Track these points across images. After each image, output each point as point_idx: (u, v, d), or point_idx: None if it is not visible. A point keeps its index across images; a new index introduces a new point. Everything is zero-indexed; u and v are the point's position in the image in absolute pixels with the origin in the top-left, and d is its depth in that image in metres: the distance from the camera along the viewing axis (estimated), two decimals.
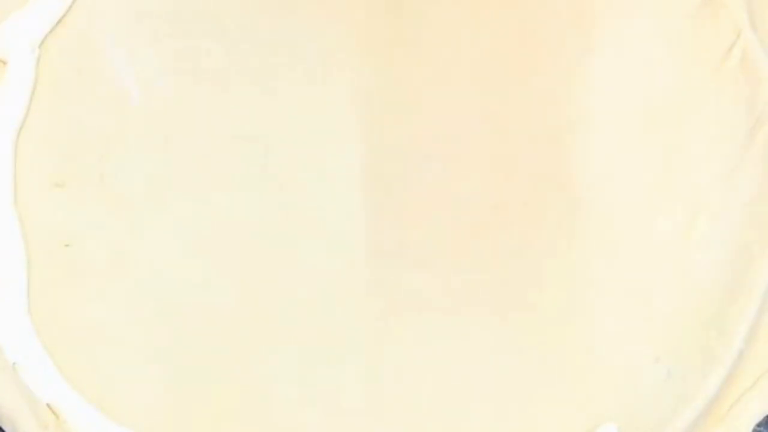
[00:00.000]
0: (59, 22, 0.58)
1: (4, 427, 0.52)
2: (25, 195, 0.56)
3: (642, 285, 0.55)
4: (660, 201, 0.56)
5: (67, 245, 0.56)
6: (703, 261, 0.55)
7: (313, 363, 0.54)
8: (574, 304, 0.55)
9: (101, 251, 0.55)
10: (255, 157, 0.57)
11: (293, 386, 0.54)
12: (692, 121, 0.57)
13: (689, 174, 0.57)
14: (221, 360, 0.54)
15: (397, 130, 0.58)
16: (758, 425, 0.53)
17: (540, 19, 0.59)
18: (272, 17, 0.59)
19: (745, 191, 0.56)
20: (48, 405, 0.52)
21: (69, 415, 0.52)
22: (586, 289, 0.55)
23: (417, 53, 0.59)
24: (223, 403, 0.54)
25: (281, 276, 0.56)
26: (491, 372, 0.54)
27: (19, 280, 0.54)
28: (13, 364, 0.52)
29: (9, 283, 0.54)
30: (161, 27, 0.59)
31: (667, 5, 0.57)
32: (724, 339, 0.53)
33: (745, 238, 0.55)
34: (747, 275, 0.54)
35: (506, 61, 0.59)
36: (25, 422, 0.51)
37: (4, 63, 0.57)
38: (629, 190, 0.57)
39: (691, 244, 0.55)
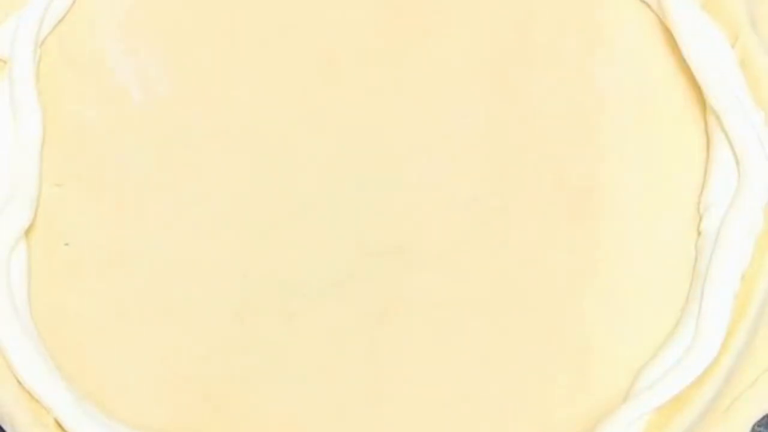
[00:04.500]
0: (60, 21, 0.59)
1: (4, 427, 0.52)
2: None
3: (643, 283, 0.55)
4: (664, 199, 0.56)
5: (66, 244, 0.56)
6: (704, 260, 0.54)
7: (313, 362, 0.54)
8: (575, 302, 0.55)
9: (101, 250, 0.55)
10: (255, 157, 0.57)
11: (293, 385, 0.54)
12: (695, 118, 0.57)
13: (693, 172, 0.57)
14: (221, 359, 0.54)
15: (397, 128, 0.58)
16: (758, 425, 0.52)
17: (542, 18, 0.59)
18: (273, 16, 0.59)
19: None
20: (48, 405, 0.52)
21: (68, 415, 0.51)
22: (588, 287, 0.55)
23: (419, 52, 0.59)
24: (222, 402, 0.54)
25: (281, 276, 0.56)
26: (491, 371, 0.54)
27: (20, 279, 0.54)
28: (13, 363, 0.52)
29: (9, 282, 0.54)
30: (162, 26, 0.59)
31: (667, 6, 0.57)
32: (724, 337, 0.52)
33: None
34: (746, 275, 0.54)
35: (508, 59, 0.59)
36: (25, 422, 0.51)
37: (5, 62, 0.57)
38: (633, 188, 0.57)
39: (694, 242, 0.56)
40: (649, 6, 0.59)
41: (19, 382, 0.52)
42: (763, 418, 0.52)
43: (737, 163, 0.55)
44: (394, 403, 0.54)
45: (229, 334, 0.55)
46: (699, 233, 0.55)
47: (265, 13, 0.59)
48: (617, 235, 0.56)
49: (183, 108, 0.58)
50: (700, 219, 0.55)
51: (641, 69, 0.58)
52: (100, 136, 0.57)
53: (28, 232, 0.55)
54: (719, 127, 0.55)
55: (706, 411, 0.51)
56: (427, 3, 0.59)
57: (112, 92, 0.58)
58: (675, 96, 0.58)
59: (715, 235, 0.54)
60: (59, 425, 0.52)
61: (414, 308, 0.55)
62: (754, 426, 0.52)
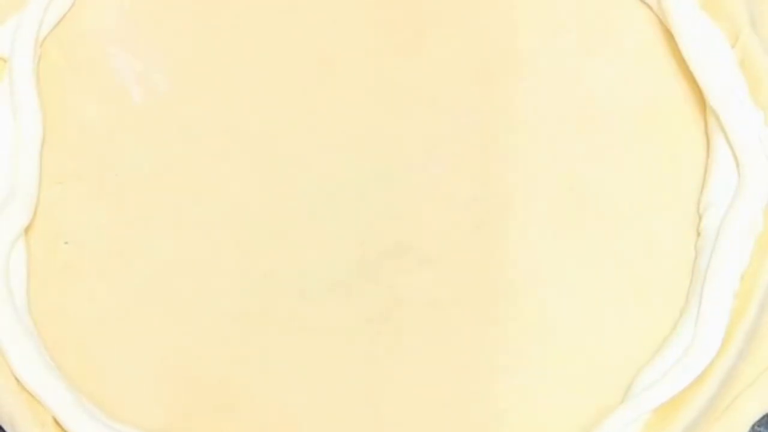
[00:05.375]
0: (61, 21, 0.59)
1: (4, 426, 0.52)
2: None
3: (643, 283, 0.55)
4: (664, 199, 0.56)
5: (66, 243, 0.56)
6: (704, 260, 0.54)
7: (313, 362, 0.54)
8: (574, 302, 0.55)
9: (101, 249, 0.56)
10: (255, 157, 0.57)
11: (293, 384, 0.54)
12: (695, 118, 0.57)
13: (693, 172, 0.57)
14: (221, 359, 0.54)
15: (397, 128, 0.58)
16: (758, 425, 0.52)
17: (541, 18, 0.59)
18: (273, 16, 0.59)
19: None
20: (47, 405, 0.52)
21: (68, 415, 0.51)
22: (588, 287, 0.55)
23: (419, 50, 0.59)
24: (222, 402, 0.54)
25: (281, 275, 0.56)
26: (491, 370, 0.54)
27: (19, 278, 0.54)
28: (13, 363, 0.52)
29: (8, 281, 0.54)
30: (162, 26, 0.59)
31: (667, 6, 0.57)
32: (723, 338, 0.52)
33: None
34: (746, 275, 0.54)
35: (508, 59, 0.59)
36: (25, 422, 0.51)
37: (5, 62, 0.57)
38: (633, 188, 0.57)
39: (694, 242, 0.56)
40: (649, 6, 0.59)
41: (19, 382, 0.52)
42: (762, 418, 0.52)
43: (737, 163, 0.55)
44: (394, 402, 0.54)
45: (230, 334, 0.55)
46: (699, 233, 0.55)
47: (264, 14, 0.59)
48: (617, 235, 0.56)
49: (183, 108, 0.58)
50: (700, 219, 0.55)
51: (641, 69, 0.58)
52: (101, 136, 0.57)
53: (28, 231, 0.55)
54: (719, 127, 0.55)
55: (705, 411, 0.51)
56: (428, 2, 0.59)
57: (112, 92, 0.58)
58: (675, 96, 0.58)
59: (715, 235, 0.54)
60: (59, 425, 0.52)
61: (414, 308, 0.55)
62: (753, 426, 0.52)
